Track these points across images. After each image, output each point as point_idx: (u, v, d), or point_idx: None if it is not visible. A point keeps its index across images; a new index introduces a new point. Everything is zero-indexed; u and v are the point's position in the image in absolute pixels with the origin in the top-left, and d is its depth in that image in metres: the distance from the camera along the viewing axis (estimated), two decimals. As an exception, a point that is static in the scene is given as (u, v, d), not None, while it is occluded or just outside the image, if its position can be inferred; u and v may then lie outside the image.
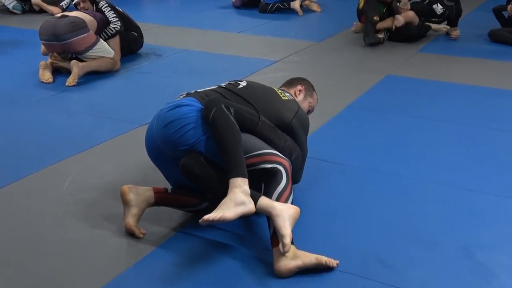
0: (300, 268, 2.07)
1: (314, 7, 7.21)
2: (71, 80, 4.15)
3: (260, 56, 5.01)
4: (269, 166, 2.24)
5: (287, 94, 2.63)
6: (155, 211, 2.41)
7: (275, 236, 2.10)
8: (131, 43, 4.90)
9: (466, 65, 4.86)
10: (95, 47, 4.35)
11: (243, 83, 2.57)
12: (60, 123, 3.50)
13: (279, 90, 2.64)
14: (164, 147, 2.32)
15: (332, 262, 2.10)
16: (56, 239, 2.30)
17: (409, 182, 2.77)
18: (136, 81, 4.38)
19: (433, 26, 5.73)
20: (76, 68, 4.17)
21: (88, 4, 4.65)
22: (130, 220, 2.28)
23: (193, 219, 2.39)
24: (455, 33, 5.76)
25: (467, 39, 5.69)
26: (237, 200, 2.08)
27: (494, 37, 5.56)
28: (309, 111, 2.81)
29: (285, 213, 2.10)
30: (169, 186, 2.44)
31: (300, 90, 2.78)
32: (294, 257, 2.07)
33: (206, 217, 2.03)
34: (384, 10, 5.52)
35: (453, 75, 4.52)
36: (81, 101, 3.95)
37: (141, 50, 5.11)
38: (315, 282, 2.05)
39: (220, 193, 2.15)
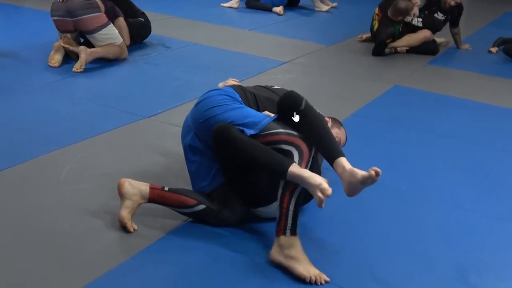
0: (284, 267, 2.12)
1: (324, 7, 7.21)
2: (78, 66, 4.15)
3: (269, 56, 4.99)
4: (285, 147, 2.23)
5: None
6: (152, 208, 2.39)
7: (280, 224, 2.15)
8: (139, 28, 4.93)
9: (477, 81, 4.82)
10: (105, 29, 4.35)
11: (277, 86, 2.72)
12: (63, 110, 3.49)
13: None
14: (194, 127, 2.42)
15: (321, 279, 2.08)
16: (48, 230, 2.29)
17: (409, 198, 2.75)
18: (144, 72, 4.37)
19: (437, 40, 5.67)
20: (84, 54, 4.16)
21: None
22: (123, 212, 2.29)
23: (189, 221, 2.39)
24: (466, 46, 5.73)
25: (479, 54, 5.65)
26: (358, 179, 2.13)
27: (509, 53, 5.48)
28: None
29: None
30: (167, 185, 2.42)
31: (327, 120, 2.76)
32: (287, 258, 2.11)
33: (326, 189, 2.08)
34: (400, 29, 5.43)
35: (462, 91, 4.49)
36: (86, 88, 3.94)
37: (150, 41, 5.10)
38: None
39: (260, 159, 2.18)
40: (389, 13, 5.33)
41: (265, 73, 4.47)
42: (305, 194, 2.21)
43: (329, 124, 2.71)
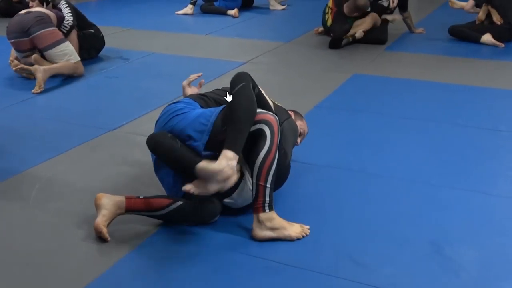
0: (273, 239, 2.26)
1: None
2: (37, 87, 4.09)
3: (228, 58, 5.01)
4: (254, 128, 2.24)
5: (279, 104, 2.70)
6: (127, 218, 2.38)
7: (258, 202, 2.25)
8: (93, 40, 4.89)
9: (432, 62, 4.93)
10: (61, 46, 4.34)
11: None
12: (25, 132, 3.44)
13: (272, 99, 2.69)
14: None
15: (306, 231, 2.29)
16: (22, 251, 2.26)
17: (377, 180, 2.80)
18: (104, 86, 4.34)
19: (389, 17, 5.70)
20: (40, 73, 4.11)
21: (36, 3, 4.60)
22: (99, 219, 2.28)
23: (164, 227, 2.39)
24: (419, 30, 5.85)
25: (432, 37, 5.77)
26: (222, 175, 2.15)
27: (454, 33, 5.62)
28: (300, 134, 2.82)
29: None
30: (140, 194, 2.41)
31: (290, 113, 2.77)
32: (273, 230, 2.26)
33: (188, 187, 2.17)
34: (354, 21, 5.45)
35: (419, 73, 4.58)
36: (47, 107, 3.89)
37: (107, 54, 5.06)
38: (284, 281, 2.06)
39: (185, 165, 2.22)
40: (345, 9, 5.35)
41: (226, 75, 4.48)
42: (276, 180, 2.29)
43: (292, 116, 2.74)
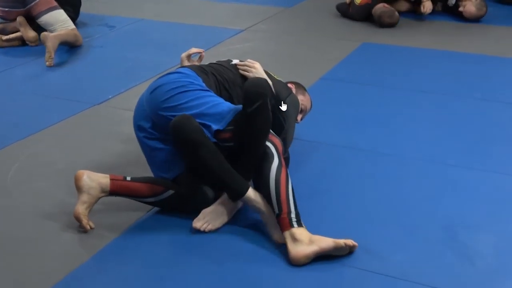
0: (318, 253, 2.08)
1: None
2: (47, 57, 4.06)
3: (224, 25, 4.97)
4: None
5: (279, 78, 2.69)
6: (113, 202, 2.38)
7: (285, 218, 2.15)
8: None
9: (449, 29, 4.88)
10: (55, 12, 4.37)
11: (236, 60, 2.68)
12: (2, 106, 3.44)
13: (271, 72, 2.69)
14: (152, 115, 2.38)
15: (352, 242, 2.11)
16: (1, 236, 2.27)
17: (388, 160, 2.80)
18: (88, 56, 4.31)
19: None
20: (49, 41, 4.07)
21: None
22: (79, 207, 2.27)
23: (151, 213, 2.39)
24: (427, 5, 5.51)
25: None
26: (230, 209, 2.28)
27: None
28: (302, 110, 2.80)
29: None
30: (127, 174, 2.41)
31: (290, 86, 2.76)
32: (310, 242, 2.09)
33: (199, 224, 2.24)
34: None
35: (434, 41, 4.55)
36: (26, 80, 3.87)
37: (91, 21, 5.02)
38: (290, 270, 2.07)
39: (213, 171, 2.22)
40: (373, 12, 4.96)
41: (221, 44, 4.46)
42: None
43: (293, 91, 2.73)
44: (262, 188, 2.23)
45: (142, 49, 4.40)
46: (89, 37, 4.68)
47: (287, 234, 2.13)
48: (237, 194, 2.23)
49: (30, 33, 4.43)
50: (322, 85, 3.68)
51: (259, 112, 2.22)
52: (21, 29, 4.40)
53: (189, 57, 2.77)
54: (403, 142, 2.97)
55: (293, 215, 2.15)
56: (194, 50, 2.78)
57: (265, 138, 2.29)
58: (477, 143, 2.96)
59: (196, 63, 2.74)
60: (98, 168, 2.61)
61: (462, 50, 4.34)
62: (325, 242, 2.09)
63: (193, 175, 2.35)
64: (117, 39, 4.70)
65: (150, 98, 2.41)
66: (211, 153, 2.21)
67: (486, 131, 3.09)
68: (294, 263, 2.08)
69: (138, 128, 2.46)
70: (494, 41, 4.58)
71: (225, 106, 2.33)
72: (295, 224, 2.14)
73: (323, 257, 2.10)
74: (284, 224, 2.14)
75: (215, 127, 2.25)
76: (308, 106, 2.85)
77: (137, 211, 2.39)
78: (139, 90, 3.49)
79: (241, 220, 2.33)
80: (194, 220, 2.25)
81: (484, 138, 3.02)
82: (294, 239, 2.10)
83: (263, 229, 2.26)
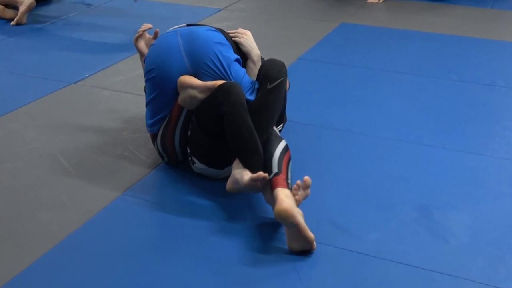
0: (299, 223, 2.02)
1: None
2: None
3: (201, 3, 4.93)
4: None
5: None
6: (92, 179, 2.37)
7: (283, 179, 2.17)
8: None
9: (427, 10, 4.89)
10: None
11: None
12: (-25, 84, 3.39)
13: None
14: (194, 62, 2.41)
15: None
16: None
17: (363, 139, 2.82)
18: (64, 35, 4.25)
19: None
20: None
21: None
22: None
23: (130, 189, 2.39)
24: None
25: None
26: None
27: None
28: None
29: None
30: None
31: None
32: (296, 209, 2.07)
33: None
34: None
35: (411, 22, 4.57)
36: (0, 59, 3.81)
37: (67, -1, 4.96)
38: (265, 249, 2.09)
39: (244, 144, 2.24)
40: None
41: (200, 23, 4.41)
42: None
43: None
44: (266, 152, 2.26)
45: (119, 28, 4.36)
46: (65, 15, 4.61)
47: (280, 190, 2.10)
48: (254, 165, 2.22)
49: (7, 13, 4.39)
50: (299, 65, 3.68)
51: (278, 88, 2.40)
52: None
53: (144, 35, 2.72)
54: (378, 122, 2.99)
55: (289, 181, 2.20)
56: (148, 25, 2.75)
57: (278, 113, 2.45)
58: (452, 123, 3.00)
59: (153, 40, 2.70)
60: (74, 148, 2.60)
61: (439, 31, 4.37)
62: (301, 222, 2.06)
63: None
64: (93, 17, 4.64)
65: (199, 45, 2.46)
66: (250, 122, 2.26)
67: (461, 111, 3.13)
68: (284, 214, 2.01)
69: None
70: (471, 22, 4.61)
71: (248, 77, 2.47)
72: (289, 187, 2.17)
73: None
74: (281, 182, 2.15)
75: (250, 98, 2.38)
76: (287, 84, 2.86)
77: (116, 191, 2.38)
78: (116, 68, 3.48)
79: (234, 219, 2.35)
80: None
81: (459, 118, 3.05)
82: (287, 196, 2.08)
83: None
